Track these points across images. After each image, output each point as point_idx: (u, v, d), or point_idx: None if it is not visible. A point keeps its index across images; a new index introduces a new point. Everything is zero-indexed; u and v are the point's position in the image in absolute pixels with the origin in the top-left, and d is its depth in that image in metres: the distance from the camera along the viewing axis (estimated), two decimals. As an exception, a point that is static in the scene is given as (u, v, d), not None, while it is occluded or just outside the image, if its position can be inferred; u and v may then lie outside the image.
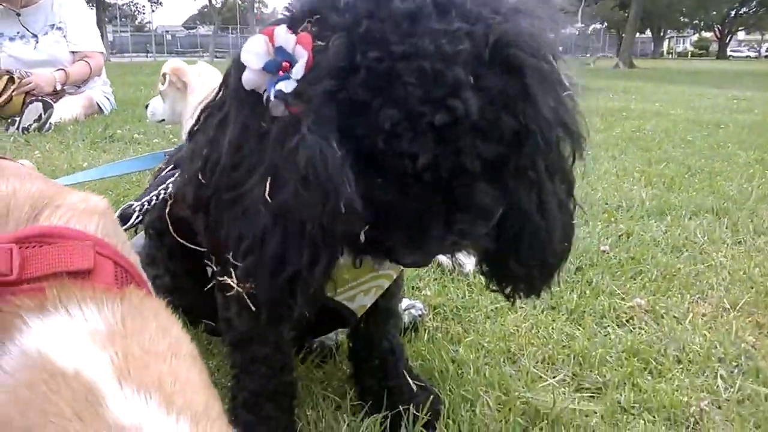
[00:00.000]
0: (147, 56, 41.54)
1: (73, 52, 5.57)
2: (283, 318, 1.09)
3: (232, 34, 54.96)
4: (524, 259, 0.96)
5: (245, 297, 0.88)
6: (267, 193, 0.80)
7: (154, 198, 1.23)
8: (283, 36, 0.80)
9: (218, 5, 44.87)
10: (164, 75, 2.67)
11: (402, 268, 1.24)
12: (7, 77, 5.09)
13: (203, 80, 2.72)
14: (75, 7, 5.66)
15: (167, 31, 57.79)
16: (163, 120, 2.88)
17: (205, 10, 69.91)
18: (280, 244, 0.82)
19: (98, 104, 5.75)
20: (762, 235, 2.54)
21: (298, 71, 0.79)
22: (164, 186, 1.24)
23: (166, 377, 0.60)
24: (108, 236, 0.81)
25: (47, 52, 5.48)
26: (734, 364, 1.49)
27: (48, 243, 0.72)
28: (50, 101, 4.85)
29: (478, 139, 0.78)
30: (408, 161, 0.78)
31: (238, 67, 0.84)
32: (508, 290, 1.07)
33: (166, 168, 1.43)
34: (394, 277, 1.25)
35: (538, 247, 0.95)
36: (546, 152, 0.85)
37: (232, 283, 0.87)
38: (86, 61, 5.56)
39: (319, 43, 0.79)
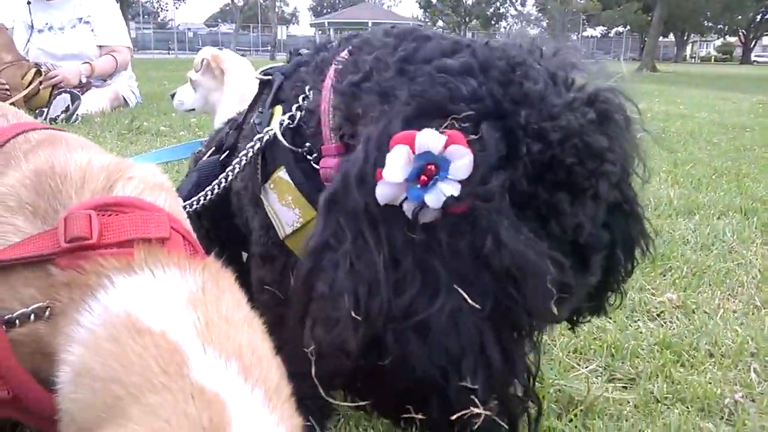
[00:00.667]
0: (168, 53, 41.93)
1: (100, 46, 5.64)
2: None
3: (253, 32, 55.32)
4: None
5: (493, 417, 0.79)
6: (469, 300, 0.74)
7: (202, 198, 1.23)
8: (433, 139, 0.74)
9: (240, 3, 45.14)
10: (202, 60, 2.69)
11: None
12: (34, 70, 5.18)
13: (239, 68, 2.76)
14: (103, 1, 5.73)
15: (189, 29, 58.30)
16: (193, 110, 2.91)
17: (227, 8, 70.45)
18: (503, 352, 0.77)
19: (124, 97, 5.81)
20: (792, 234, 2.51)
21: (461, 171, 0.73)
22: (211, 187, 1.23)
23: (245, 348, 0.62)
24: (173, 209, 0.83)
25: (75, 46, 5.55)
26: (767, 359, 1.49)
27: (124, 212, 0.75)
28: (78, 93, 4.91)
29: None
30: (573, 233, 0.80)
31: (347, 189, 0.78)
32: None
33: (207, 153, 1.44)
34: None
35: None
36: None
37: (480, 411, 0.76)
38: (113, 55, 5.62)
39: (473, 136, 0.75)
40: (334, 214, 0.80)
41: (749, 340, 1.56)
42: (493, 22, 58.50)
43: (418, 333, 0.75)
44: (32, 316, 0.69)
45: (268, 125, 1.11)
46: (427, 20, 63.22)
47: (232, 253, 1.38)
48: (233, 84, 2.73)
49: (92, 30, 5.64)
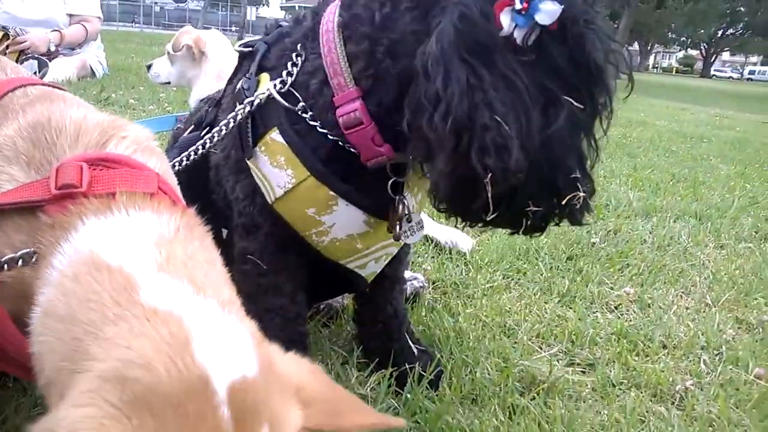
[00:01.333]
0: (133, 26, 40.95)
1: (70, 15, 5.53)
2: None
3: (222, 11, 54.35)
4: None
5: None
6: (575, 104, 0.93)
7: (185, 159, 1.24)
8: None
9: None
10: (183, 45, 2.69)
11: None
12: (1, 33, 5.05)
13: (219, 48, 2.75)
14: (75, -32, 5.61)
15: (156, 2, 57.03)
16: (168, 83, 2.90)
17: (197, -16, 69.12)
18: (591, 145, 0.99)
19: (91, 68, 5.70)
20: (743, 241, 2.64)
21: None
22: (194, 149, 1.25)
23: (199, 275, 0.66)
24: (164, 174, 0.86)
25: (43, 12, 5.42)
26: (716, 352, 1.58)
27: (114, 168, 0.78)
28: (45, 60, 4.81)
29: None
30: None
31: (471, 28, 0.90)
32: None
33: (186, 130, 1.45)
34: (401, 244, 1.30)
35: None
36: None
37: (581, 194, 0.95)
38: (83, 25, 5.51)
39: None
40: (456, 54, 0.89)
41: (700, 334, 1.66)
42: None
43: (546, 143, 0.91)
44: (20, 261, 0.70)
45: (256, 91, 1.14)
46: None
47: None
48: (212, 62, 2.72)
49: (62, -2, 5.52)
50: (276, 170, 1.10)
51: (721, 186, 3.82)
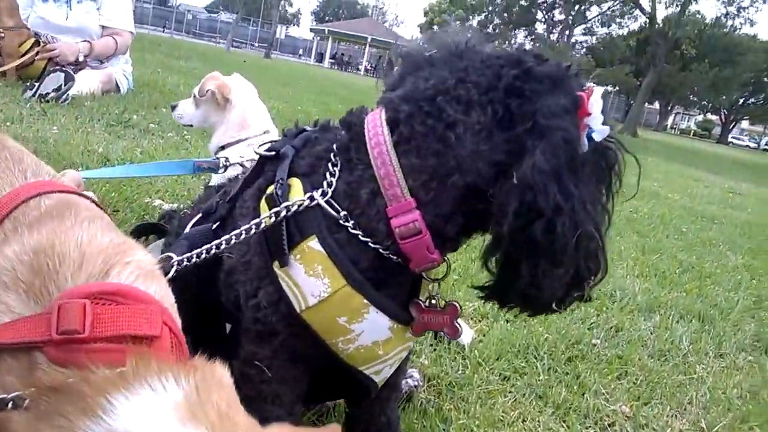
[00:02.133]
0: (164, 31, 41.51)
1: (102, 26, 5.60)
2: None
3: (252, 26, 55.06)
4: None
5: None
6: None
7: (194, 257, 1.24)
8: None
9: (244, -5, 45.04)
10: (207, 91, 2.71)
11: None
12: (33, 39, 5.12)
13: (245, 96, 2.78)
14: (113, -19, 5.69)
15: (189, 11, 57.88)
16: (191, 125, 2.93)
17: (231, -3, 70.04)
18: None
19: (116, 81, 5.76)
20: (743, 351, 2.62)
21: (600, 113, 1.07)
22: (208, 247, 1.24)
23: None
24: (163, 298, 0.85)
25: (77, 21, 5.50)
26: (706, 492, 1.56)
27: (119, 302, 0.77)
28: (72, 73, 4.86)
29: None
30: None
31: (571, 154, 1.04)
32: None
33: (192, 216, 1.43)
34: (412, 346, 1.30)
35: None
36: None
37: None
38: (114, 38, 5.59)
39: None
40: (564, 170, 1.02)
41: (691, 468, 1.64)
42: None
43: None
44: (9, 404, 0.68)
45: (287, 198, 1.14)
46: (425, 45, 63.69)
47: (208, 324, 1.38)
48: (236, 110, 2.75)
49: (98, 8, 5.60)
50: (312, 279, 1.10)
51: (727, 280, 3.80)
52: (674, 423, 1.89)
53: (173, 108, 2.97)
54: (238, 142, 2.76)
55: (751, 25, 39.67)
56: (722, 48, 46.06)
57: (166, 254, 1.22)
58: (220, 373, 0.78)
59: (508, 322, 2.32)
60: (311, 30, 62.16)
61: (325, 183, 1.13)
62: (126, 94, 5.74)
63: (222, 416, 0.68)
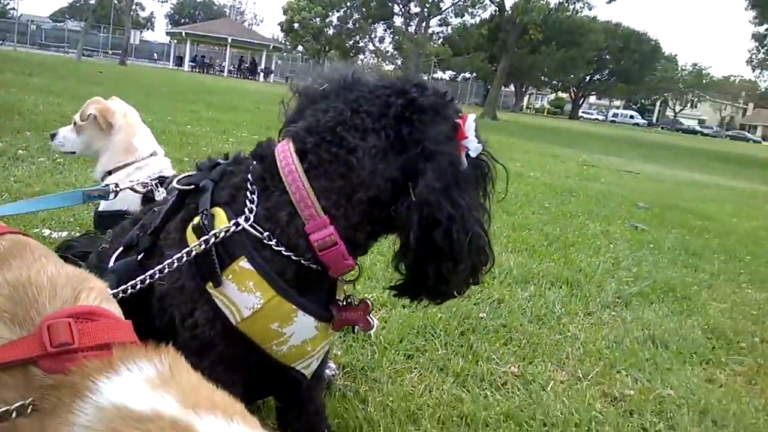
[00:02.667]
0: (3, 43, 38.66)
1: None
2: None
3: (103, 33, 52.30)
4: None
5: None
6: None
7: (130, 288, 1.34)
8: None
9: (92, 1, 42.68)
10: (89, 115, 2.71)
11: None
12: None
13: (128, 120, 2.80)
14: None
15: (32, 21, 54.14)
16: (74, 152, 2.90)
17: (77, 4, 66.12)
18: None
19: (-30, 108, 5.47)
20: (607, 308, 3.01)
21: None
22: (143, 278, 1.34)
23: (208, 397, 0.80)
24: (120, 317, 0.99)
25: None
26: (586, 428, 1.85)
27: (93, 320, 0.90)
28: None
29: None
30: None
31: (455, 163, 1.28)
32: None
33: (112, 250, 1.52)
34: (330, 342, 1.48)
35: None
36: None
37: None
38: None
39: None
40: (452, 186, 1.25)
41: (573, 411, 1.92)
42: (351, 54, 59.84)
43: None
44: (14, 414, 0.81)
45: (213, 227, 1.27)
46: (287, 44, 63.35)
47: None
48: (120, 135, 2.77)
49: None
50: (245, 294, 1.25)
51: (588, 247, 4.26)
52: (556, 376, 2.18)
53: (53, 137, 2.93)
54: (125, 166, 2.78)
55: (590, 9, 42.65)
56: (566, 30, 49.27)
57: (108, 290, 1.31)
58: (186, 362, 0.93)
59: (404, 307, 2.54)
60: (167, 33, 60.06)
61: (246, 209, 1.28)
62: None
63: (192, 386, 0.83)
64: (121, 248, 1.48)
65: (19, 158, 4.25)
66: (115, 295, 1.30)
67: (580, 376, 2.21)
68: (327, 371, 1.84)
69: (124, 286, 1.29)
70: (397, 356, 2.12)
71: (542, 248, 4.00)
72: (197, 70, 51.26)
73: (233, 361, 1.32)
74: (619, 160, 14.42)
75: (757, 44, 37.35)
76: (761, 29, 36.09)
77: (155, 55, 60.53)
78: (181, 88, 16.01)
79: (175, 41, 58.11)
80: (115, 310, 0.99)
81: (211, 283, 1.26)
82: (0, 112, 5.93)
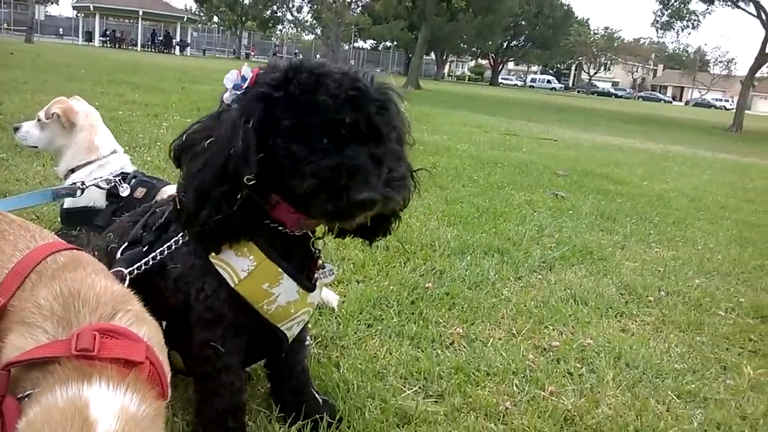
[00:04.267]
0: None
1: None
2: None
3: (4, 8, 49.44)
4: None
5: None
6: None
7: (143, 265, 1.61)
8: (245, 69, 1.45)
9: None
10: (53, 114, 2.86)
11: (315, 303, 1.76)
12: None
13: (90, 120, 2.96)
14: None
15: None
16: (36, 147, 3.03)
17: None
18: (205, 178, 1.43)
19: None
20: (534, 272, 3.41)
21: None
22: (153, 255, 1.61)
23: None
24: (151, 339, 1.23)
25: None
26: (522, 376, 2.22)
27: (116, 338, 1.15)
28: None
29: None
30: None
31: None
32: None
33: (119, 245, 1.76)
34: (311, 313, 1.75)
35: None
36: None
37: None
38: None
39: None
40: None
41: (510, 361, 2.29)
42: (270, 25, 58.89)
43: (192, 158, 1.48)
44: (26, 398, 1.03)
45: None
46: (202, 15, 61.64)
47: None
48: (83, 134, 2.93)
49: None
50: (240, 258, 1.53)
51: (515, 216, 4.67)
52: (494, 334, 2.55)
53: (16, 129, 3.05)
54: (88, 164, 2.96)
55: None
56: (482, -3, 50.02)
57: (117, 269, 1.58)
58: (158, 405, 1.12)
59: (359, 282, 2.85)
60: (74, 8, 57.28)
61: None
62: None
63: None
64: (125, 244, 1.73)
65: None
66: (130, 273, 1.57)
67: (515, 332, 2.58)
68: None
69: (138, 264, 1.57)
70: (359, 326, 2.43)
71: (474, 220, 4.38)
72: (109, 45, 49.35)
73: (239, 327, 1.58)
74: (539, 126, 15.09)
75: (661, 6, 38.85)
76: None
77: (61, 30, 57.77)
78: (100, 68, 15.59)
79: (83, 15, 55.58)
80: (147, 331, 1.21)
81: (213, 253, 1.53)
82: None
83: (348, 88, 1.39)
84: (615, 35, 79.17)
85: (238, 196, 1.39)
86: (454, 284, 3.01)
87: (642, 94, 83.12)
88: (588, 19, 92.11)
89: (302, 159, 1.36)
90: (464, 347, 2.40)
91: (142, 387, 1.07)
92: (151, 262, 1.59)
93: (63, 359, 1.04)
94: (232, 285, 1.53)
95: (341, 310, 2.51)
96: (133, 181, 2.88)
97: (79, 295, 1.17)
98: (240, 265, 1.53)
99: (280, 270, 1.56)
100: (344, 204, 1.34)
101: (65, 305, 1.15)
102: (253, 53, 59.75)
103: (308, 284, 1.63)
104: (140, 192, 2.82)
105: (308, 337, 2.17)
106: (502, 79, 74.37)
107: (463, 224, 4.24)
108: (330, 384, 1.98)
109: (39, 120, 2.98)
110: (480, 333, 2.53)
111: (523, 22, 62.34)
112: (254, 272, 1.53)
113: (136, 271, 1.58)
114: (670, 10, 38.55)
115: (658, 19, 40.17)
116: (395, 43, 58.05)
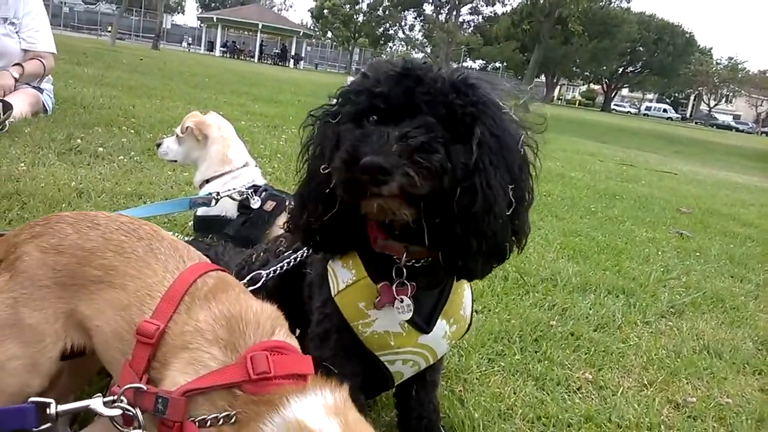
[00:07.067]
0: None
1: (24, 50, 5.58)
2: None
3: (135, 16, 52.93)
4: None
5: None
6: None
7: (279, 268, 1.66)
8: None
9: (125, -15, 43.29)
10: (187, 128, 2.99)
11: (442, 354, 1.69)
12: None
13: (222, 133, 3.07)
14: (32, 4, 5.67)
15: (65, 3, 55.04)
16: (176, 161, 3.18)
17: (110, -13, 66.87)
18: None
19: (44, 104, 5.78)
20: (663, 317, 3.21)
21: None
22: (288, 260, 1.66)
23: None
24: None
25: (-1, 45, 5.46)
26: (657, 431, 2.07)
27: (284, 353, 1.14)
28: (10, 103, 4.89)
29: None
30: None
31: None
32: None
33: (261, 265, 1.82)
34: (431, 360, 1.68)
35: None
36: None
37: None
38: (40, 61, 5.59)
39: None
40: None
41: (643, 415, 2.14)
42: (381, 42, 59.90)
43: None
44: (221, 420, 1.04)
45: None
46: (317, 30, 63.58)
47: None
48: (215, 147, 3.04)
49: (17, 32, 5.57)
50: (344, 269, 1.52)
51: (638, 254, 4.44)
52: (624, 382, 2.40)
53: (158, 146, 3.22)
54: (221, 175, 3.06)
55: (626, 0, 42.39)
56: (600, 21, 48.84)
57: (257, 272, 1.68)
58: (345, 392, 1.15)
59: (477, 312, 2.77)
60: (198, 18, 60.59)
61: None
62: (53, 114, 5.76)
63: (356, 420, 1.06)
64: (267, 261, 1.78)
65: (99, 156, 4.53)
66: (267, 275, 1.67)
67: (646, 383, 2.43)
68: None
69: (274, 266, 1.69)
70: (481, 359, 2.35)
71: (594, 255, 4.20)
72: (228, 56, 51.76)
73: (348, 349, 1.54)
74: (655, 157, 14.46)
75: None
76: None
77: (188, 39, 61.17)
78: (222, 78, 16.33)
79: (206, 26, 58.67)
80: (294, 343, 1.24)
81: (331, 261, 1.55)
82: (63, 105, 6.22)
83: (391, 70, 1.34)
84: (739, 66, 75.17)
85: (327, 192, 1.35)
86: (579, 324, 2.87)
87: (766, 129, 78.29)
88: (711, 48, 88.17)
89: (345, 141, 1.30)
90: (593, 394, 2.27)
91: (327, 386, 1.10)
92: (285, 267, 1.62)
93: (243, 384, 1.07)
94: (333, 293, 1.52)
95: (463, 341, 2.44)
96: (264, 194, 2.95)
97: (241, 317, 1.18)
98: (342, 276, 1.52)
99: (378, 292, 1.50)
100: (346, 171, 1.24)
101: (229, 328, 1.16)
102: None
103: (418, 321, 1.53)
104: (270, 205, 2.89)
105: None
106: (614, 105, 72.15)
107: (583, 259, 4.07)
108: (456, 420, 1.91)
109: (176, 135, 3.12)
110: (609, 380, 2.39)
111: (640, 48, 60.32)
112: (352, 286, 1.51)
113: (272, 274, 1.62)
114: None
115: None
116: (505, 64, 57.56)
